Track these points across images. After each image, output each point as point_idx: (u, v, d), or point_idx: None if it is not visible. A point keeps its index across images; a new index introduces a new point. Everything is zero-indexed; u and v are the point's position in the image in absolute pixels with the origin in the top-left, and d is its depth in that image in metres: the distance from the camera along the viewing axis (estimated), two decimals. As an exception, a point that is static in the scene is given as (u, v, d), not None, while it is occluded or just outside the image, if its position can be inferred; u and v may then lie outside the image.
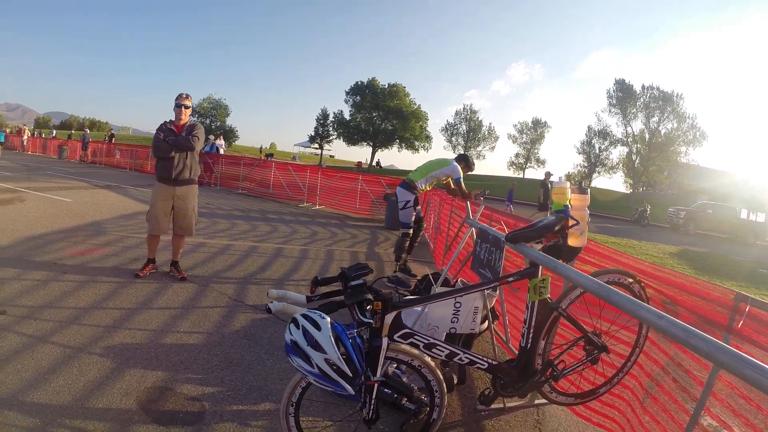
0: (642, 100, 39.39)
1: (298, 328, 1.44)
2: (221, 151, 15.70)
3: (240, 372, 2.55)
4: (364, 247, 6.26)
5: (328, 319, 1.46)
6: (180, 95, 3.76)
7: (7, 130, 28.43)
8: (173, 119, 3.81)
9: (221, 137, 17.85)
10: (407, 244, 4.50)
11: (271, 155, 36.56)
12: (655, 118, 37.01)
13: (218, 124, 45.65)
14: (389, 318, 1.52)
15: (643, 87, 39.38)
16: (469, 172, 4.56)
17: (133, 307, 3.44)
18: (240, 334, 3.02)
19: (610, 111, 41.93)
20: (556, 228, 1.78)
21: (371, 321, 1.47)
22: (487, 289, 2.00)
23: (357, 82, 46.44)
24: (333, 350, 1.36)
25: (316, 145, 49.81)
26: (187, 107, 3.77)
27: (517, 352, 1.92)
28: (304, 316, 1.48)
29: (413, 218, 4.42)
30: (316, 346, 1.39)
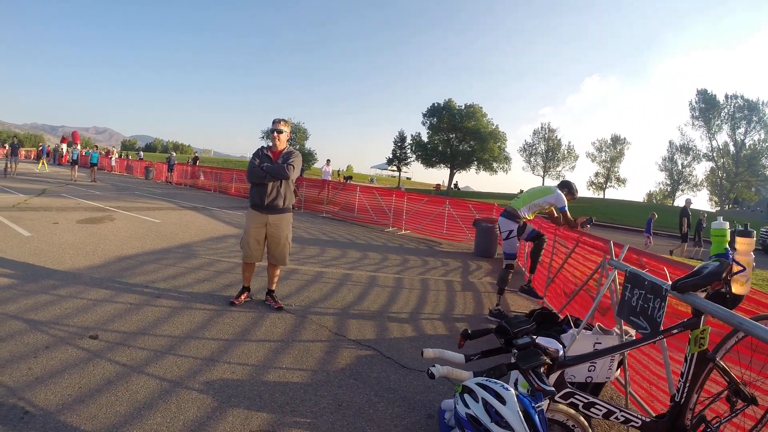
0: (726, 110, 57.19)
1: (477, 401, 1.87)
2: (329, 178, 21.82)
3: (351, 416, 3.27)
4: (458, 276, 8.17)
5: (512, 391, 1.88)
6: (275, 120, 5.22)
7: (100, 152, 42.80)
8: (270, 145, 5.30)
9: (329, 163, 24.09)
10: (510, 276, 6.14)
11: (350, 178, 48.05)
12: (741, 130, 55.54)
13: (297, 147, 64.96)
14: (553, 377, 2.07)
15: (726, 96, 56.72)
16: (573, 200, 6.21)
17: (230, 338, 4.47)
18: (346, 373, 3.93)
19: (693, 124, 62.06)
20: (723, 275, 2.43)
21: (553, 389, 1.86)
22: (649, 343, 2.70)
23: (434, 104, 67.22)
24: (523, 428, 1.78)
25: (394, 168, 72.66)
26: (281, 132, 5.20)
27: (642, 402, 3.35)
28: (482, 385, 1.92)
29: (517, 249, 6.14)
30: (503, 424, 1.80)
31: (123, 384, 3.52)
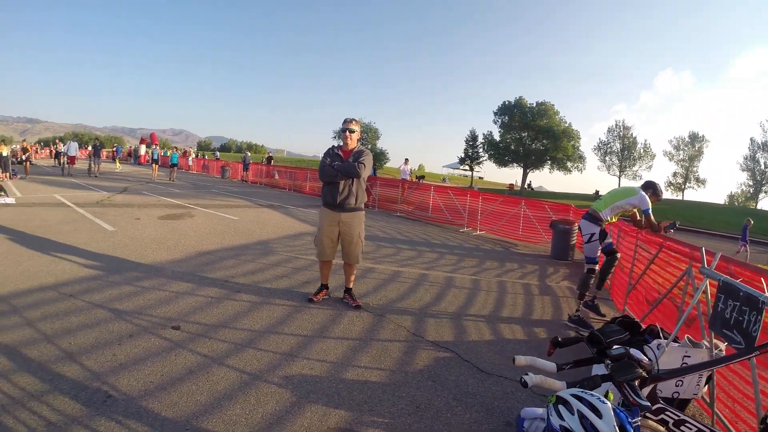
0: (816, 100, 56.86)
1: (573, 413, 1.87)
2: (408, 177, 22.73)
3: (429, 419, 3.37)
4: (535, 279, 8.33)
5: (609, 404, 1.87)
6: (346, 120, 5.53)
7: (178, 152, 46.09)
8: (341, 144, 5.60)
9: (407, 162, 24.56)
10: (593, 281, 6.18)
11: (422, 177, 48.51)
12: (830, 124, 55.04)
13: (369, 147, 68.40)
14: (645, 391, 2.13)
15: (814, 87, 54.91)
16: (657, 202, 6.15)
17: (309, 335, 4.65)
18: (424, 375, 4.06)
19: (776, 118, 58.73)
20: None
21: (648, 404, 1.90)
22: (744, 359, 2.69)
23: (504, 102, 69.98)
24: None
25: (466, 167, 75.87)
26: (352, 131, 5.49)
27: (727, 423, 3.37)
28: (578, 397, 1.91)
29: (599, 252, 6.15)
30: None
31: (204, 374, 3.74)
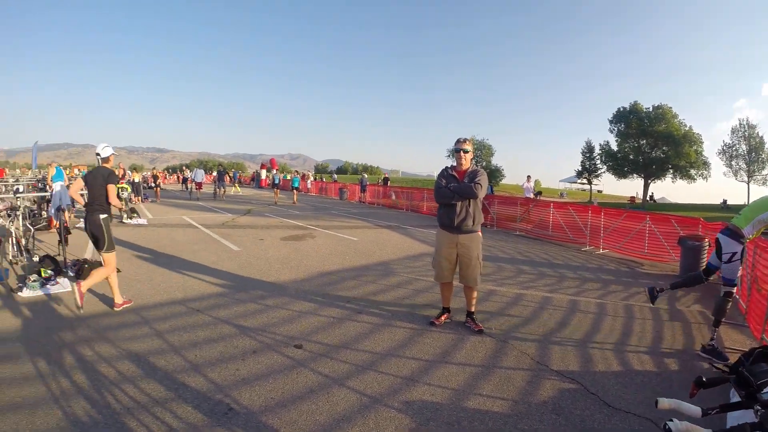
0: None
1: None
2: (531, 195, 22.46)
3: None
4: (664, 303, 7.76)
5: None
6: (459, 140, 5.61)
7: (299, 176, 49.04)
8: (454, 164, 5.69)
9: (530, 179, 24.16)
10: (729, 306, 5.62)
11: (540, 193, 46.69)
12: None
13: (483, 164, 67.86)
14: None
15: None
16: None
17: (430, 359, 4.61)
18: (548, 407, 3.91)
19: None
20: None
21: None
22: None
23: (619, 108, 66.34)
24: None
25: (583, 180, 72.57)
26: (466, 151, 5.56)
27: None
28: None
29: (739, 274, 5.63)
30: None
31: (324, 394, 3.83)
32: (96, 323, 5.41)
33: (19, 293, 6.59)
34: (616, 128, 66.32)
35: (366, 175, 35.17)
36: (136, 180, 24.95)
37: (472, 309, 5.78)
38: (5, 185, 20.55)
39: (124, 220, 15.09)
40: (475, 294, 5.79)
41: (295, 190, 28.37)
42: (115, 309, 5.90)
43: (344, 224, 16.45)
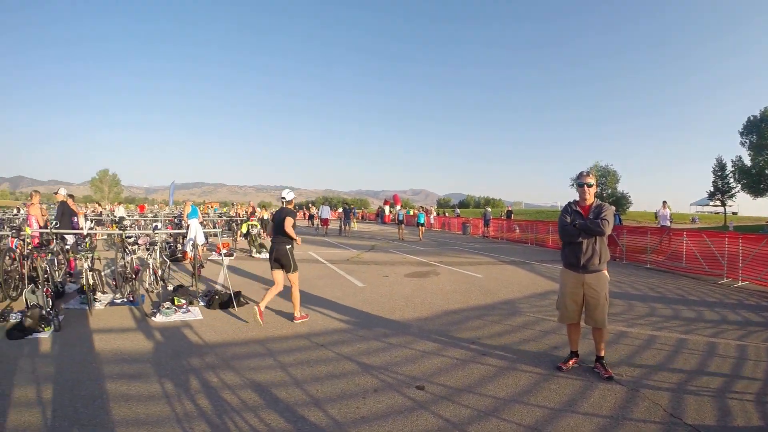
0: None
1: None
2: (668, 223, 20.96)
3: None
4: None
5: None
6: (581, 174, 5.41)
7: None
8: (577, 200, 5.49)
9: (665, 206, 22.21)
10: None
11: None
12: None
13: (609, 191, 64.72)
14: None
15: None
16: None
17: (556, 407, 4.34)
18: None
19: None
20: None
21: None
22: None
23: (750, 118, 58.89)
24: None
25: (716, 202, 67.38)
26: (590, 185, 5.35)
27: None
28: None
29: None
30: None
31: (445, 440, 3.68)
32: (223, 352, 5.76)
33: (153, 318, 7.29)
34: (747, 140, 59.10)
35: (489, 209, 34.99)
36: (265, 217, 26.40)
37: (602, 353, 5.41)
38: (145, 219, 22.62)
39: (253, 255, 16.09)
40: (604, 336, 5.45)
41: (420, 227, 28.28)
42: (295, 321, 7.29)
43: (468, 260, 16.30)
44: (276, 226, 7.48)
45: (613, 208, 5.47)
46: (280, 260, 7.33)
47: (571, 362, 5.46)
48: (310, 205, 58.20)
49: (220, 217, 27.57)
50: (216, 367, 5.18)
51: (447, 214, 51.89)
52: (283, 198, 7.83)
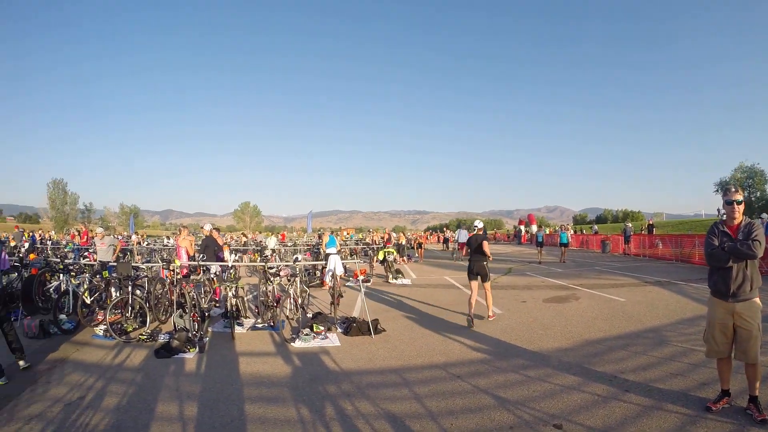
0: None
1: None
2: None
3: None
4: None
5: None
6: (728, 190, 4.94)
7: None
8: (724, 219, 5.05)
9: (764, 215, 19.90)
10: None
11: None
12: None
13: (757, 194, 59.26)
14: None
15: None
16: None
17: None
18: None
19: None
20: None
21: None
22: None
23: None
24: None
25: None
26: (739, 203, 4.86)
27: None
28: None
29: None
30: None
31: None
32: (359, 380, 5.95)
33: (293, 344, 7.75)
34: None
35: (629, 224, 32.34)
36: (402, 242, 26.63)
37: (756, 392, 4.77)
38: (285, 248, 23.82)
39: (389, 281, 16.36)
40: (758, 373, 4.82)
41: (563, 247, 25.27)
42: (489, 319, 9.47)
43: (609, 282, 15.32)
44: (474, 247, 9.82)
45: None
46: (479, 272, 9.69)
47: (721, 402, 4.90)
48: (444, 228, 58.26)
49: (357, 243, 28.35)
50: (351, 395, 5.37)
51: (584, 232, 49.09)
52: (476, 226, 10.46)
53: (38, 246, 25.55)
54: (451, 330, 8.49)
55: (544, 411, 4.86)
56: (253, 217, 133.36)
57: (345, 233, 34.19)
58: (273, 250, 20.66)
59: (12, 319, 7.39)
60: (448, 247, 38.70)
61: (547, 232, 37.63)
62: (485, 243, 9.74)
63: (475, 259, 9.78)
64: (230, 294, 8.82)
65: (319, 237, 24.53)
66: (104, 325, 8.48)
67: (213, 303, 10.38)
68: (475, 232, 10.26)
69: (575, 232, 48.48)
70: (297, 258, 12.81)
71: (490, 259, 9.68)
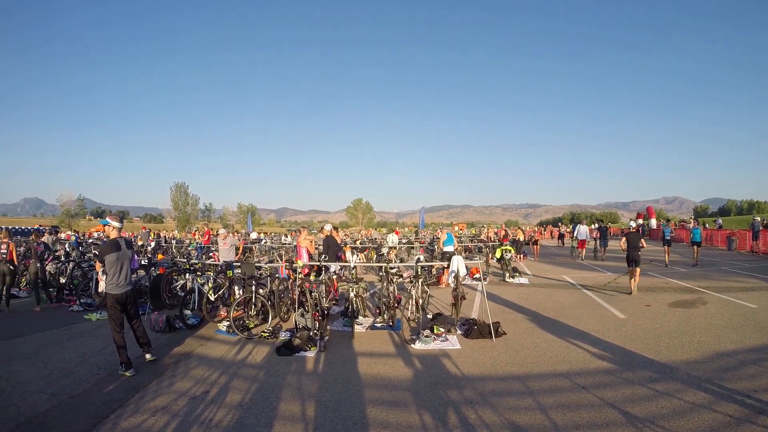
0: None
1: None
2: None
3: None
4: None
5: None
6: None
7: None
8: None
9: None
10: None
11: None
12: None
13: None
14: None
15: None
16: None
17: None
18: None
19: None
20: None
21: None
22: None
23: None
24: None
25: None
26: None
27: None
28: None
29: None
30: None
31: None
32: (482, 386, 5.91)
33: (412, 345, 7.82)
34: None
35: (758, 218, 29.31)
36: (520, 239, 25.71)
37: None
38: (400, 244, 23.75)
39: (506, 279, 16.02)
40: None
41: (695, 246, 21.02)
42: (631, 294, 12.42)
43: (737, 284, 14.12)
44: (633, 242, 13.25)
45: None
46: (635, 260, 13.04)
47: None
48: (559, 223, 55.60)
49: (471, 240, 27.70)
50: (474, 403, 5.36)
51: (707, 226, 44.74)
52: (631, 225, 14.35)
53: (164, 245, 27.65)
54: (574, 335, 8.23)
55: (672, 430, 4.60)
56: (366, 213, 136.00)
57: (456, 228, 33.81)
58: (390, 248, 20.89)
59: (140, 313, 7.99)
60: (563, 243, 37.20)
61: (655, 226, 33.99)
62: (643, 240, 13.49)
63: (632, 250, 13.16)
64: (352, 294, 9.10)
65: (435, 234, 24.40)
66: (227, 321, 9.08)
67: (332, 302, 10.73)
68: (630, 230, 14.40)
69: (705, 226, 44.00)
70: (419, 258, 12.92)
71: (645, 246, 13.50)
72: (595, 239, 25.65)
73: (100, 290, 7.00)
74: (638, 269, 12.90)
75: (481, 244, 23.93)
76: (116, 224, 6.94)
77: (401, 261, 17.74)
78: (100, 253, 6.97)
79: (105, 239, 8.38)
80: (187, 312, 9.75)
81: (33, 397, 5.69)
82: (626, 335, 8.20)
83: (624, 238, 13.75)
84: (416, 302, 9.30)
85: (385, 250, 20.80)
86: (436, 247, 19.20)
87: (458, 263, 10.16)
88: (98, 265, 7.05)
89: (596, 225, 28.00)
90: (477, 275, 13.92)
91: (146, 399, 5.64)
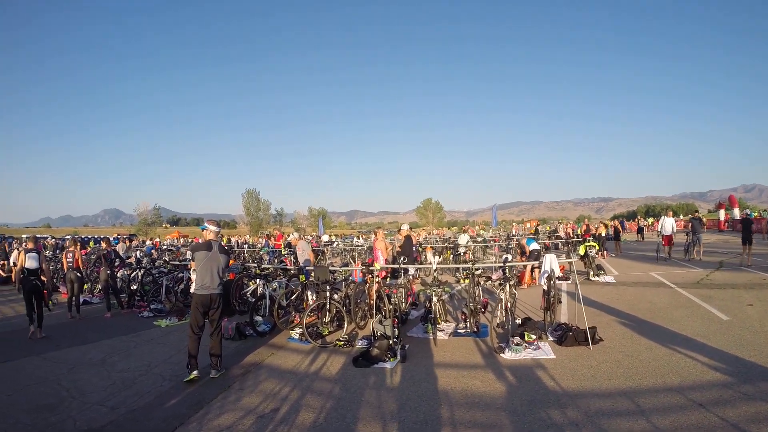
0: None
1: None
2: None
3: None
4: None
5: None
6: None
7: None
8: None
9: None
10: None
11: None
12: None
13: None
14: None
15: None
16: None
17: None
18: None
19: None
20: None
21: None
22: None
23: None
24: None
25: None
26: None
27: None
28: None
29: None
30: None
31: None
32: (585, 404, 5.24)
33: (502, 354, 7.21)
34: None
35: None
36: (602, 234, 23.95)
37: None
38: (475, 243, 22.77)
39: (591, 278, 15.08)
40: None
41: None
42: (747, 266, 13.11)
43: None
44: (747, 226, 16.46)
45: None
46: (748, 239, 16.04)
47: None
48: (638, 217, 52.50)
49: (549, 237, 26.50)
50: (580, 426, 4.70)
51: None
52: (747, 214, 15.32)
53: (236, 250, 28.03)
54: (677, 341, 7.38)
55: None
56: (436, 212, 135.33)
57: (527, 224, 32.69)
58: (466, 248, 20.34)
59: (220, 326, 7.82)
60: (643, 238, 35.22)
61: (738, 216, 31.29)
62: (753, 225, 15.81)
63: (746, 233, 16.54)
64: (434, 299, 8.63)
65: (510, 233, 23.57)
66: (300, 328, 8.79)
67: (411, 307, 10.31)
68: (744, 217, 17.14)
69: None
70: (507, 258, 12.16)
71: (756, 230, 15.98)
72: (687, 233, 21.38)
73: (191, 291, 7.05)
74: (751, 248, 16.42)
75: (560, 241, 22.70)
76: (213, 228, 7.28)
77: (476, 261, 17.00)
78: (192, 248, 7.30)
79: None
80: (258, 318, 9.64)
81: (92, 410, 5.61)
82: (734, 340, 7.30)
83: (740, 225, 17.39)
84: (505, 307, 8.59)
85: (462, 250, 20.16)
86: (513, 245, 18.36)
87: (551, 262, 9.23)
88: (192, 264, 7.18)
89: (689, 216, 25.64)
90: (560, 273, 12.96)
91: (210, 416, 5.35)
